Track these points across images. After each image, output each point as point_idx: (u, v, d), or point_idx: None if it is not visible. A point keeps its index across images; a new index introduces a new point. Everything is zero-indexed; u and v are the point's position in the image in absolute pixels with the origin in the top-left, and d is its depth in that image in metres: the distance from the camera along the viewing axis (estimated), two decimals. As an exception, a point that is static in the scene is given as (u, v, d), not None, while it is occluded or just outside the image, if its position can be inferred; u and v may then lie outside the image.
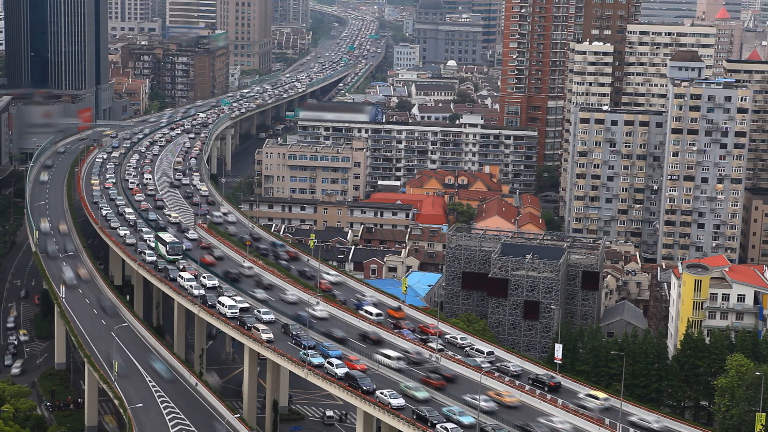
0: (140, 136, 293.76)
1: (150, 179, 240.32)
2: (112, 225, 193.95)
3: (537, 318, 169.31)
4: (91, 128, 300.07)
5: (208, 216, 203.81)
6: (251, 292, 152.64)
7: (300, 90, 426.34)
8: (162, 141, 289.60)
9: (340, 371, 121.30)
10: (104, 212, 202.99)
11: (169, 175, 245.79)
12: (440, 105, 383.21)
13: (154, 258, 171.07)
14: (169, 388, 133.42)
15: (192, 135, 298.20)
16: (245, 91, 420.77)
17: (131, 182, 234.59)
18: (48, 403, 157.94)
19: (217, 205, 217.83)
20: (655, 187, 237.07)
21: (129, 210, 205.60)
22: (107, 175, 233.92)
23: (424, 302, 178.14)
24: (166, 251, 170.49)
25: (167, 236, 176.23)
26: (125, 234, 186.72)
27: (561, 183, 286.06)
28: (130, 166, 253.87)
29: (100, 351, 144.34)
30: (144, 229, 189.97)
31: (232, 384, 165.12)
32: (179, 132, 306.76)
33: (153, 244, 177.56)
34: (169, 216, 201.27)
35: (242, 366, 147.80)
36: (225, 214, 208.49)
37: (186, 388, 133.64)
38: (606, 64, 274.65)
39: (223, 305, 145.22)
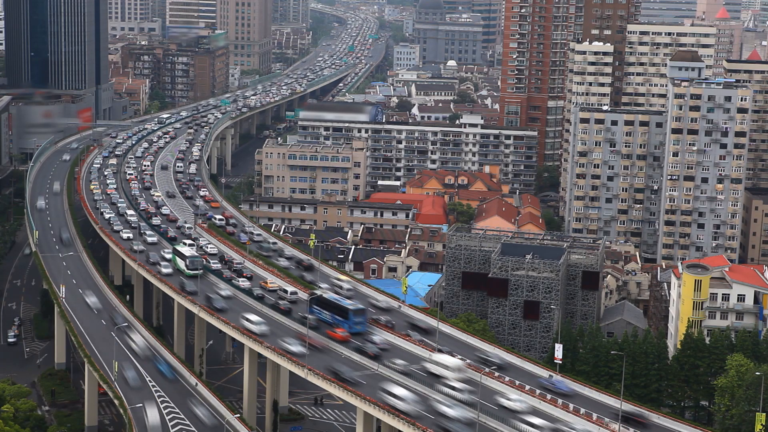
0: (141, 135, 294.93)
1: (147, 165, 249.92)
2: (114, 228, 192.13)
3: (537, 318, 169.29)
4: (91, 128, 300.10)
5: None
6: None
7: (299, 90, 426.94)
8: (166, 137, 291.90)
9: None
10: (107, 216, 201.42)
11: (172, 175, 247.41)
12: (440, 105, 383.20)
13: (170, 271, 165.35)
14: (170, 387, 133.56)
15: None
16: (249, 91, 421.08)
17: (129, 173, 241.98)
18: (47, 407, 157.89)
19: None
20: (655, 187, 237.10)
21: (131, 212, 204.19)
22: (108, 181, 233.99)
23: (424, 302, 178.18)
24: (186, 266, 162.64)
25: (186, 250, 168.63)
26: (128, 237, 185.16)
27: (561, 183, 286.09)
28: (132, 158, 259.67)
29: (100, 351, 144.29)
30: (147, 232, 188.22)
31: (232, 384, 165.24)
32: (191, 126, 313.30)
33: (170, 257, 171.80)
34: (155, 196, 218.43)
35: (242, 366, 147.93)
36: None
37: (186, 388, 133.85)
38: (606, 64, 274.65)
39: (250, 321, 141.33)
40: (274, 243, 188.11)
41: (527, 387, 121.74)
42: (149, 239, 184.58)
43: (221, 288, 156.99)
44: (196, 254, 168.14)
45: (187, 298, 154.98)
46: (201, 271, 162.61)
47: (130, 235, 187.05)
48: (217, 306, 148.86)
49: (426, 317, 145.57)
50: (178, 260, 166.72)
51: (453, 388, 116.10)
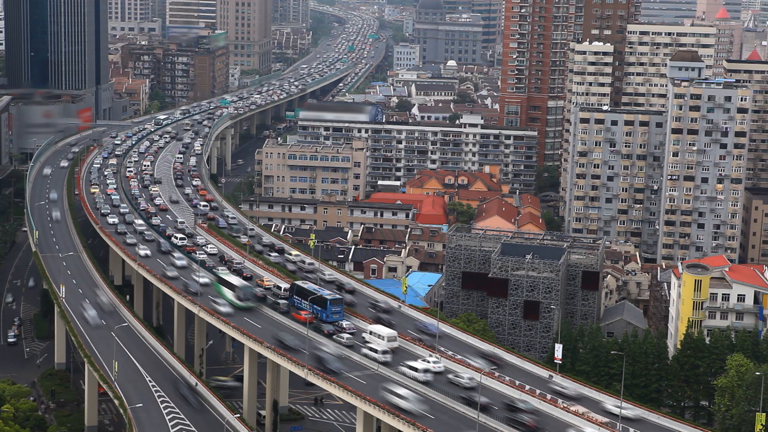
0: (141, 135, 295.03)
1: (148, 165, 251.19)
2: (128, 241, 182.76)
3: (537, 318, 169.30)
4: (91, 128, 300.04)
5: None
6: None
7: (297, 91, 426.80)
8: (167, 137, 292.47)
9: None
10: (111, 221, 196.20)
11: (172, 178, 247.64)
12: (440, 105, 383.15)
13: (229, 309, 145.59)
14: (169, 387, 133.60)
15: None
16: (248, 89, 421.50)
17: (128, 170, 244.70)
18: (43, 405, 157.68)
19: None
20: (655, 187, 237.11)
21: (139, 221, 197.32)
22: (108, 181, 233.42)
23: (424, 302, 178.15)
24: (237, 297, 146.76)
25: (235, 279, 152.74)
26: (147, 255, 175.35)
27: (561, 183, 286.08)
28: (134, 153, 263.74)
29: (100, 351, 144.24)
30: (175, 254, 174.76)
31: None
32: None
33: (204, 279, 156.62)
34: (152, 189, 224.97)
35: (242, 366, 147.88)
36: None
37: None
38: (606, 64, 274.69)
39: (400, 396, 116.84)
40: (252, 229, 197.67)
41: (408, 334, 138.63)
42: (178, 262, 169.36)
43: (324, 345, 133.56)
44: (247, 283, 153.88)
45: (187, 299, 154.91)
46: (255, 304, 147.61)
47: (148, 252, 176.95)
48: (333, 368, 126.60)
49: (351, 280, 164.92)
50: (224, 290, 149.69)
51: (374, 350, 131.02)
